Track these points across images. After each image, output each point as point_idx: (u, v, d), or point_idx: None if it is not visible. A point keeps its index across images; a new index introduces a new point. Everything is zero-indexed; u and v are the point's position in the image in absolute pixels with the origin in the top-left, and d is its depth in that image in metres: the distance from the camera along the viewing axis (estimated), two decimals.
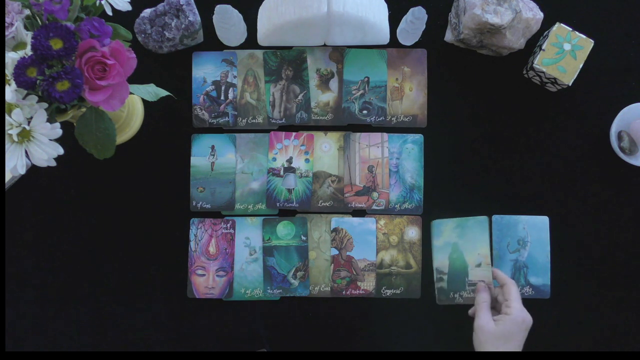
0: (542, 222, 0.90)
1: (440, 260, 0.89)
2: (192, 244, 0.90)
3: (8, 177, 0.88)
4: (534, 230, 0.90)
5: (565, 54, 0.88)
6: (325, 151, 0.92)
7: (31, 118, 0.63)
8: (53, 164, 0.65)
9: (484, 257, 0.85)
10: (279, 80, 0.93)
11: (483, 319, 0.78)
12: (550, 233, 0.90)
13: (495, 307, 0.82)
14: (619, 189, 0.92)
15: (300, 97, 0.93)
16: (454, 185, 0.92)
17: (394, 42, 0.94)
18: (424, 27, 0.91)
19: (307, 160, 0.92)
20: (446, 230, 0.89)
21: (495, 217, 0.90)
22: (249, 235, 0.91)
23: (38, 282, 0.90)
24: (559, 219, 0.91)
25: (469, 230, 0.88)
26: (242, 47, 0.94)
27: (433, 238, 0.90)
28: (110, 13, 0.69)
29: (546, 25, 0.91)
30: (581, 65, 0.88)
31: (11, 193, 0.90)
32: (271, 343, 0.89)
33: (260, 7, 0.90)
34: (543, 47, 0.88)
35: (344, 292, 0.90)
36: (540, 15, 0.89)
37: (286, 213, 0.92)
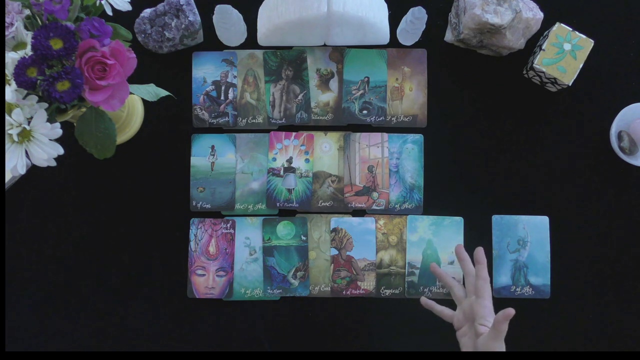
0: (542, 222, 0.90)
1: (414, 255, 0.90)
2: (192, 244, 0.90)
3: (8, 177, 0.88)
4: (533, 230, 0.90)
5: (565, 54, 0.88)
6: (325, 151, 0.92)
7: (31, 118, 0.63)
8: (53, 164, 0.66)
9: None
10: (279, 80, 0.93)
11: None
12: (550, 233, 0.90)
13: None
14: (619, 189, 0.92)
15: (300, 97, 0.93)
16: (454, 185, 0.92)
17: (394, 42, 0.94)
18: (424, 27, 0.91)
19: (307, 160, 0.92)
20: (421, 227, 0.90)
21: (495, 217, 0.90)
22: (249, 235, 0.91)
23: (38, 282, 0.90)
24: (559, 219, 0.91)
25: (445, 229, 0.90)
26: (242, 47, 0.94)
27: (408, 233, 0.90)
28: (110, 13, 0.69)
29: (546, 25, 0.91)
30: (581, 65, 0.88)
31: (11, 193, 0.90)
32: (271, 343, 0.89)
33: (260, 7, 0.90)
34: (543, 47, 0.88)
35: (344, 292, 0.90)
36: (540, 15, 0.89)
37: (286, 213, 0.92)
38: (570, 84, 0.88)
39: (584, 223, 0.91)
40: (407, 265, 0.90)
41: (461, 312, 0.77)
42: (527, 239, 0.90)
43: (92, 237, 0.91)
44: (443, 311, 0.80)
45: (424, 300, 0.82)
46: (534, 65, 0.88)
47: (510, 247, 0.90)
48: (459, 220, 0.90)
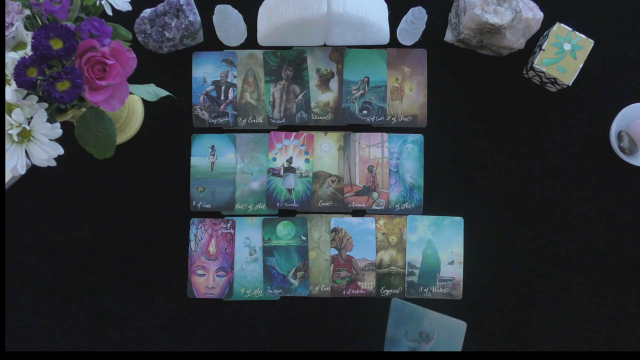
0: (456, 326, 0.82)
1: (414, 255, 0.90)
2: (192, 244, 0.90)
3: (8, 177, 0.88)
4: (443, 331, 0.82)
5: (565, 54, 0.88)
6: (325, 151, 0.92)
7: (31, 118, 0.63)
8: (53, 164, 0.66)
9: (457, 256, 0.89)
10: (279, 80, 0.93)
11: None
12: (549, 232, 0.90)
13: None
14: (619, 189, 0.92)
15: (300, 97, 0.93)
16: (454, 185, 0.92)
17: (394, 42, 0.94)
18: (424, 27, 0.91)
19: (307, 160, 0.92)
20: (421, 227, 0.90)
21: (394, 301, 0.85)
22: (249, 235, 0.91)
23: (38, 282, 0.90)
24: (558, 218, 0.91)
25: (445, 229, 0.90)
26: (242, 47, 0.94)
27: (408, 233, 0.90)
28: (110, 13, 0.69)
29: (546, 25, 0.91)
30: (581, 65, 0.88)
31: (11, 193, 0.90)
32: (271, 343, 0.89)
33: (260, 7, 0.90)
34: (543, 47, 0.88)
35: (344, 292, 0.90)
36: (540, 15, 0.89)
37: (286, 213, 0.92)
38: (570, 84, 0.88)
39: (584, 223, 0.91)
40: (406, 265, 0.90)
41: None
42: (432, 335, 0.82)
43: (92, 237, 0.91)
44: None
45: None
46: (534, 65, 0.88)
47: (409, 335, 0.83)
48: (459, 220, 0.90)
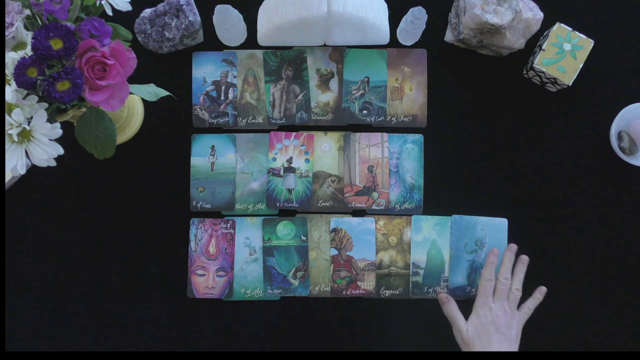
0: (500, 224, 0.90)
1: (418, 255, 0.90)
2: (192, 244, 0.90)
3: (8, 177, 0.88)
4: (492, 232, 0.90)
5: (565, 54, 0.88)
6: (325, 151, 0.92)
7: (31, 118, 0.63)
8: (53, 164, 0.66)
9: None
10: (279, 80, 0.93)
11: (458, 324, 0.83)
12: (550, 232, 0.90)
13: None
14: (619, 189, 0.92)
15: (300, 97, 0.93)
16: (454, 186, 0.92)
17: (394, 42, 0.94)
18: (424, 27, 0.91)
19: (307, 160, 0.92)
20: (426, 227, 0.90)
21: (454, 217, 0.90)
22: (249, 235, 0.91)
23: (38, 282, 0.90)
24: (558, 218, 0.91)
25: (449, 229, 0.90)
26: (242, 47, 0.94)
27: (413, 233, 0.90)
28: (110, 13, 0.69)
29: (546, 25, 0.91)
30: (581, 65, 0.88)
31: (11, 193, 0.90)
32: (271, 343, 0.89)
33: (260, 7, 0.90)
34: (543, 47, 0.88)
35: (344, 292, 0.90)
36: (540, 15, 0.89)
37: (286, 213, 0.92)
38: (570, 84, 0.88)
39: (584, 223, 0.91)
40: (411, 265, 0.90)
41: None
42: (485, 240, 0.89)
43: (92, 237, 0.91)
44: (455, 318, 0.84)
45: (443, 296, 0.86)
46: (534, 65, 0.88)
47: (468, 247, 0.89)
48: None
